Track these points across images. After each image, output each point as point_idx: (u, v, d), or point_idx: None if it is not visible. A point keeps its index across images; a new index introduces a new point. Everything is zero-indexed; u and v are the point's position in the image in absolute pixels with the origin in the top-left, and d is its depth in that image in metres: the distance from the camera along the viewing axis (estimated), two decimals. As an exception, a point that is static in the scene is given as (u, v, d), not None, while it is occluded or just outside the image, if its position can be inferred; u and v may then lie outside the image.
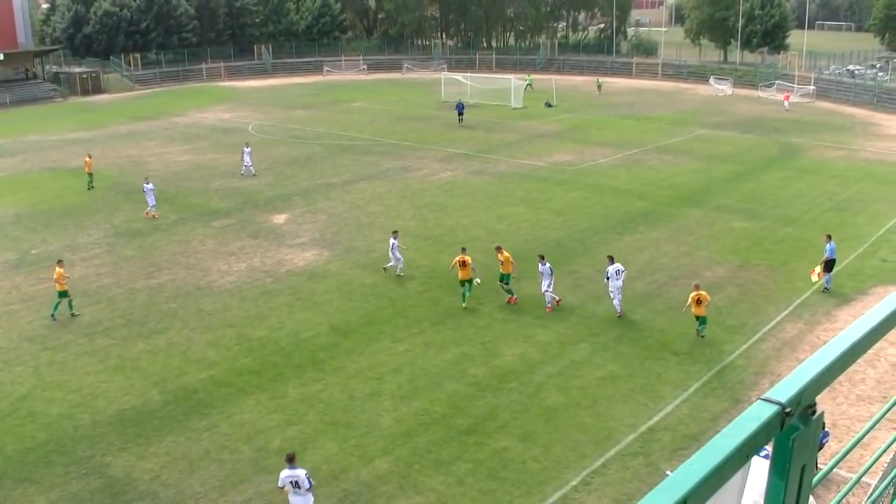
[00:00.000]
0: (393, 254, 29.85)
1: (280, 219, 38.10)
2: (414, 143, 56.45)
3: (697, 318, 24.64)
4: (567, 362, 23.16)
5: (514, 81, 76.48)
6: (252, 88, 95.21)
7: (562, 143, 56.41)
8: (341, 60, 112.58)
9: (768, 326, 25.44)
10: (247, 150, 47.17)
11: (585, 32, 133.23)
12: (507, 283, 27.43)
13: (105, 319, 26.76)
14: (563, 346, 24.21)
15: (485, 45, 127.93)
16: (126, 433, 19.96)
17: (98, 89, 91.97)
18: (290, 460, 15.77)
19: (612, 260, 26.49)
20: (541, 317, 26.22)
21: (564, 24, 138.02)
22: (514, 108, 73.22)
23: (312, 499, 15.72)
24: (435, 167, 48.93)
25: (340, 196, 42.10)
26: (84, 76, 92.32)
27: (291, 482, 15.51)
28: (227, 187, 44.60)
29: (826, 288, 28.46)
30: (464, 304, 27.07)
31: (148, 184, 38.55)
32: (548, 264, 26.70)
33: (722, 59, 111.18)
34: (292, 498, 15.59)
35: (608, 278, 26.11)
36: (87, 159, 44.90)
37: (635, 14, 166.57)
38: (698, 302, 24.35)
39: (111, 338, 25.35)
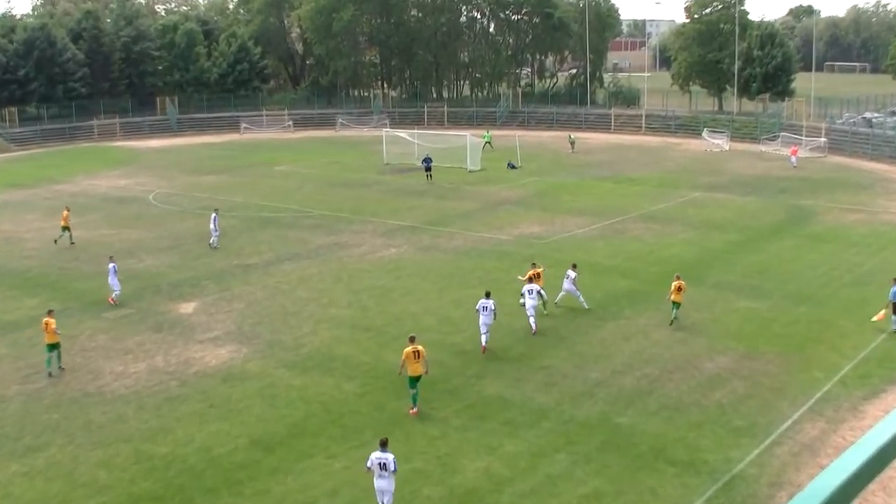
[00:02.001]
0: (569, 287, 36.28)
1: (188, 308, 37.75)
2: (350, 215, 56.72)
3: (675, 304, 33.55)
4: (541, 478, 22.97)
5: (471, 139, 77.81)
6: (154, 149, 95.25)
7: (528, 212, 57.09)
8: (262, 116, 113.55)
9: (783, 426, 25.55)
10: (214, 215, 49.05)
11: (554, 80, 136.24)
12: (414, 388, 26.62)
13: (-33, 437, 26.05)
14: (535, 457, 24.05)
15: (434, 95, 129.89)
16: (-8, 581, 19.26)
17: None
18: (383, 444, 20.60)
19: (487, 296, 32.05)
20: (507, 423, 26.08)
21: (529, 70, 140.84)
22: (470, 171, 74.26)
23: (394, 484, 20.33)
24: (376, 243, 49.11)
25: (261, 279, 41.94)
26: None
27: (380, 463, 20.13)
28: (123, 270, 44.00)
29: (894, 330, 31.50)
30: (413, 409, 26.95)
31: (112, 263, 38.65)
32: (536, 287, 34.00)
33: (716, 108, 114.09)
34: (377, 481, 20.41)
35: (478, 311, 31.77)
36: (66, 213, 50.44)
37: (613, 57, 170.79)
38: (679, 290, 33.48)
39: (-25, 460, 24.63)
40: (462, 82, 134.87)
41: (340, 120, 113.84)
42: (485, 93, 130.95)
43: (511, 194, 64.02)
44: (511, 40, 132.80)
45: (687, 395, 27.75)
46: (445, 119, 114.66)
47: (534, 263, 37.42)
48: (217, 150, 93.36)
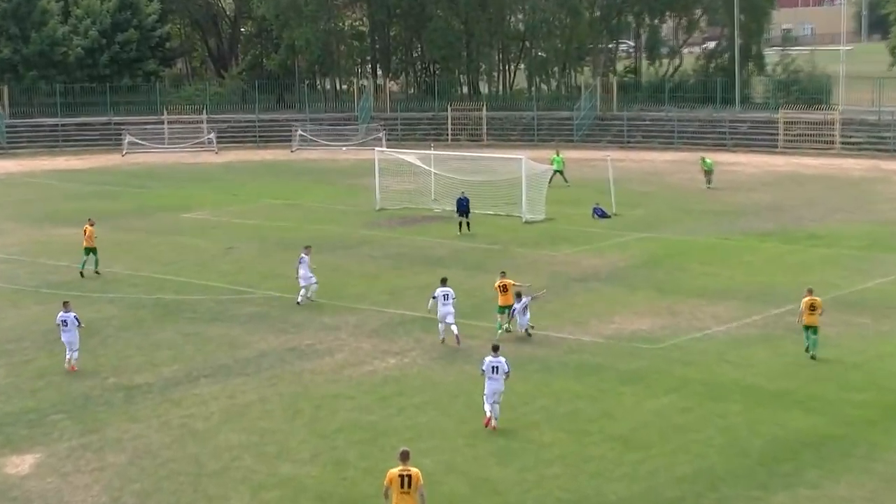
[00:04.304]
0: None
1: (22, 464, 37.52)
2: (318, 298, 56.98)
3: (808, 327, 45.16)
4: None
5: (529, 166, 78.08)
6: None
7: (630, 295, 57.20)
8: (162, 123, 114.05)
9: None
10: (304, 256, 56.12)
11: (676, 61, 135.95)
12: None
13: None
14: None
15: (465, 89, 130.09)
16: None
17: None
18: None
19: (495, 351, 39.54)
20: None
21: (631, 45, 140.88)
22: (527, 222, 74.90)
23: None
24: (363, 348, 49.13)
25: (158, 412, 41.75)
26: None
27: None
28: None
29: None
30: None
31: (69, 312, 46.02)
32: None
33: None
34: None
35: (483, 372, 39.24)
36: (90, 227, 62.07)
37: (782, 19, 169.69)
38: (812, 308, 44.66)
39: None
40: (513, 67, 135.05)
41: (300, 132, 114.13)
42: (553, 85, 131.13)
43: (600, 263, 64.12)
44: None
45: None
46: (484, 131, 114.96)
47: (503, 273, 51.55)
48: (82, 183, 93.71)
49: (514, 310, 49.84)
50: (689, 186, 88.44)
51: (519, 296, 49.93)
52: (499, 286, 50.32)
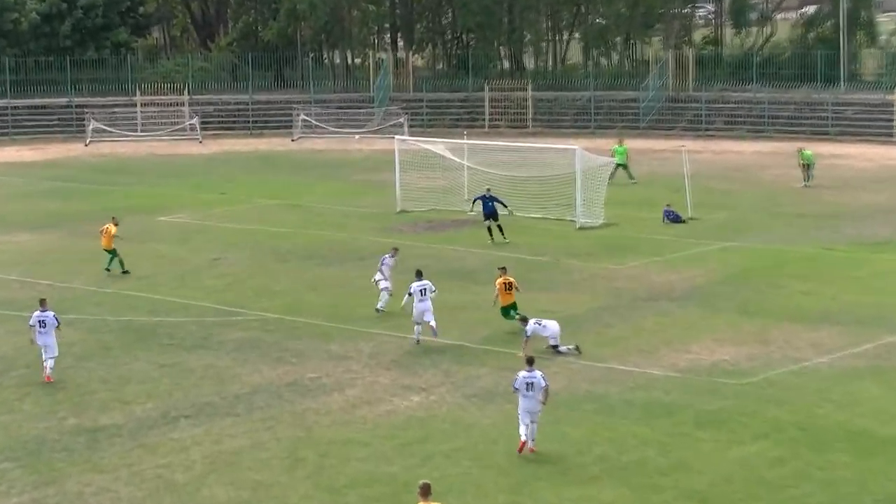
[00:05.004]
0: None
1: (-36, 524, 37.52)
2: (325, 321, 57.12)
3: None
4: None
5: (584, 158, 78.30)
6: None
7: (710, 318, 57.18)
8: (134, 105, 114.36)
9: None
10: (388, 259, 59.66)
11: (767, 31, 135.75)
12: None
13: None
14: None
15: (506, 65, 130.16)
16: None
17: None
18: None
19: (530, 363, 41.48)
20: None
21: (711, 9, 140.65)
22: (582, 227, 75.13)
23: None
24: (379, 382, 49.11)
25: (129, 459, 41.63)
26: None
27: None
28: None
29: None
30: None
31: (45, 311, 48.83)
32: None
33: None
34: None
35: (517, 390, 41.14)
36: (112, 227, 67.52)
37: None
38: None
39: None
40: (566, 37, 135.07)
41: (303, 116, 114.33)
42: (615, 59, 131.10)
43: (673, 278, 64.16)
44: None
45: None
46: (529, 116, 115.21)
47: (503, 268, 55.63)
48: (36, 179, 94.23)
49: (525, 335, 50.89)
50: (782, 184, 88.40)
51: (525, 320, 51.39)
52: (503, 283, 54.26)
